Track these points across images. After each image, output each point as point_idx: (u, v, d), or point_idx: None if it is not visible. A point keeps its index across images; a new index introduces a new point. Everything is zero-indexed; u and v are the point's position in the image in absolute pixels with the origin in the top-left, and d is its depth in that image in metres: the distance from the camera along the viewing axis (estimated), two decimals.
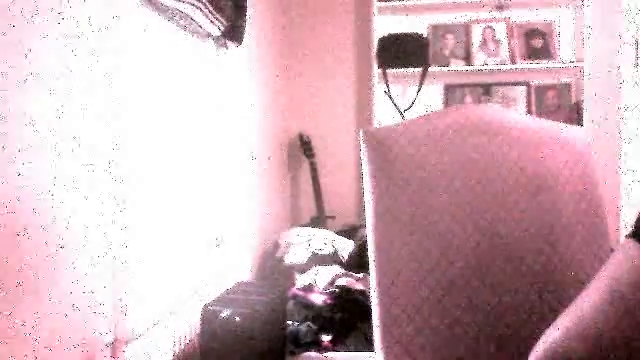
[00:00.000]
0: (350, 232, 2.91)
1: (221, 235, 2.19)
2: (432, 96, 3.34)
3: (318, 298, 2.18)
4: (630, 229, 0.56)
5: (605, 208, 1.12)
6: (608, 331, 0.52)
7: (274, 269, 2.58)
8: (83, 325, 1.21)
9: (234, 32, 2.04)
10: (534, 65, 3.18)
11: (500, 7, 3.29)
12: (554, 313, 1.03)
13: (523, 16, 3.28)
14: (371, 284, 1.05)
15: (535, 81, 3.26)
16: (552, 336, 0.56)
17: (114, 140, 1.33)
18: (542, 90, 3.25)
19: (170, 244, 1.77)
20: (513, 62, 3.23)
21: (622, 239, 2.95)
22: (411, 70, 3.15)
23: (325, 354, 1.98)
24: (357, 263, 2.53)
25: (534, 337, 1.01)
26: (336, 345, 2.04)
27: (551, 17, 3.25)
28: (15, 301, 1.00)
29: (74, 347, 1.17)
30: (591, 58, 3.06)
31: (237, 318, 1.60)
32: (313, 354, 1.98)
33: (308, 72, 3.38)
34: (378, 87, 3.22)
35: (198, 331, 1.70)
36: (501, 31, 3.26)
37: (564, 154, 1.12)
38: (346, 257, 2.59)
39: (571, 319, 0.55)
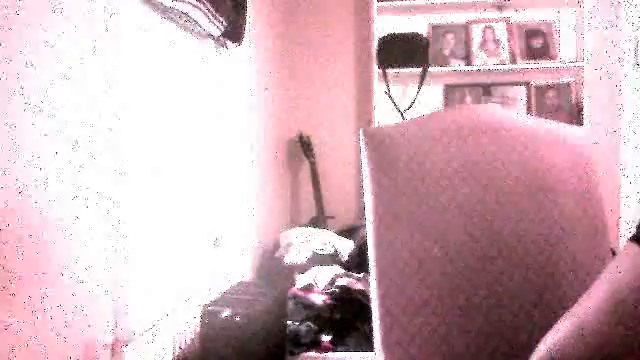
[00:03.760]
0: (350, 232, 2.91)
1: (221, 235, 2.19)
2: (432, 96, 3.34)
3: (318, 298, 2.18)
4: (631, 232, 0.56)
5: (605, 208, 1.12)
6: (609, 335, 0.52)
7: (274, 269, 2.58)
8: (83, 325, 1.21)
9: (234, 32, 2.04)
10: (534, 65, 3.18)
11: (500, 7, 3.29)
12: (554, 314, 1.03)
13: (523, 16, 3.28)
14: (371, 284, 1.05)
15: (535, 81, 3.25)
16: (553, 338, 0.56)
17: (113, 140, 1.33)
18: (542, 90, 3.25)
19: (170, 244, 1.77)
20: (513, 62, 3.23)
21: (622, 239, 2.95)
22: (411, 70, 3.15)
23: (325, 354, 1.98)
24: (357, 263, 2.53)
25: (534, 338, 1.01)
26: (336, 345, 2.04)
27: (551, 17, 3.25)
28: (15, 301, 1.00)
29: (74, 347, 1.17)
30: (591, 58, 3.06)
31: (237, 318, 1.60)
32: (313, 354, 1.98)
33: (308, 72, 3.38)
34: (378, 87, 3.21)
35: (198, 331, 1.70)
36: (501, 31, 3.26)
37: (564, 154, 1.12)
38: (346, 257, 2.59)
39: (572, 322, 0.55)
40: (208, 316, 1.64)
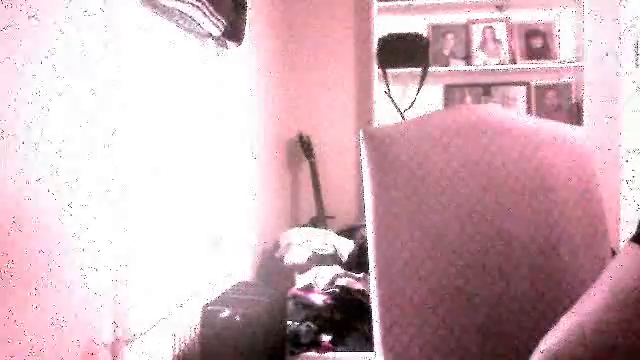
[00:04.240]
0: (350, 232, 2.91)
1: (221, 235, 2.19)
2: (432, 96, 3.34)
3: (318, 298, 2.18)
4: (632, 233, 0.56)
5: (605, 208, 1.12)
6: (610, 335, 0.52)
7: (274, 269, 2.58)
8: (83, 325, 1.21)
9: (234, 32, 2.04)
10: (534, 65, 3.18)
11: (500, 7, 3.29)
12: (554, 313, 1.03)
13: (523, 16, 3.28)
14: (371, 284, 1.05)
15: (535, 81, 3.25)
16: (554, 338, 0.56)
17: (114, 140, 1.33)
18: (542, 90, 3.25)
19: (170, 244, 1.77)
20: (513, 62, 3.23)
21: (622, 239, 2.95)
22: (411, 70, 3.15)
23: (325, 354, 1.98)
24: (357, 263, 2.53)
25: (534, 337, 1.01)
26: (336, 345, 2.04)
27: (551, 17, 3.25)
28: (16, 301, 1.00)
29: (74, 347, 1.17)
30: (591, 58, 3.06)
31: (237, 318, 1.60)
32: (313, 354, 1.98)
33: (308, 72, 3.38)
34: (378, 87, 3.21)
35: (198, 331, 1.70)
36: (501, 31, 3.26)
37: (564, 154, 1.12)
38: (346, 257, 2.59)
39: (573, 322, 0.55)
40: (208, 316, 1.64)
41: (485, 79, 3.30)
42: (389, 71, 3.16)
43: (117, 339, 1.34)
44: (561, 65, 3.16)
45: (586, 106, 3.02)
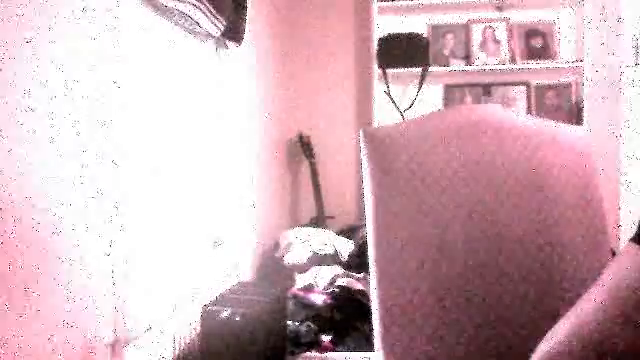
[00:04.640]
0: (350, 232, 2.91)
1: (221, 235, 2.19)
2: (432, 96, 3.34)
3: (318, 298, 2.18)
4: (632, 233, 0.56)
5: (605, 208, 1.12)
6: (610, 335, 0.52)
7: (274, 269, 2.58)
8: (83, 325, 1.21)
9: (234, 32, 2.04)
10: (534, 65, 3.18)
11: (500, 7, 3.29)
12: (554, 313, 1.03)
13: (523, 16, 3.28)
14: (371, 284, 1.05)
15: (535, 81, 3.25)
16: (554, 338, 0.56)
17: (114, 140, 1.33)
18: (542, 90, 3.25)
19: (170, 244, 1.77)
20: (513, 62, 3.23)
21: (622, 239, 2.94)
22: (411, 70, 3.15)
23: (325, 354, 1.98)
24: (357, 263, 2.53)
25: (534, 337, 1.01)
26: (336, 345, 2.04)
27: (551, 17, 3.25)
28: (16, 301, 1.00)
29: (74, 347, 1.17)
30: (591, 58, 3.06)
31: (237, 318, 1.60)
32: (313, 354, 1.98)
33: (308, 72, 3.38)
34: (378, 87, 3.21)
35: (198, 331, 1.70)
36: (501, 31, 3.26)
37: (564, 154, 1.12)
38: (346, 257, 2.59)
39: (573, 322, 0.55)
40: (208, 316, 1.64)
41: (485, 79, 3.30)
42: (389, 71, 3.16)
43: (117, 339, 1.34)
44: (561, 65, 3.16)
45: (586, 106, 3.02)
